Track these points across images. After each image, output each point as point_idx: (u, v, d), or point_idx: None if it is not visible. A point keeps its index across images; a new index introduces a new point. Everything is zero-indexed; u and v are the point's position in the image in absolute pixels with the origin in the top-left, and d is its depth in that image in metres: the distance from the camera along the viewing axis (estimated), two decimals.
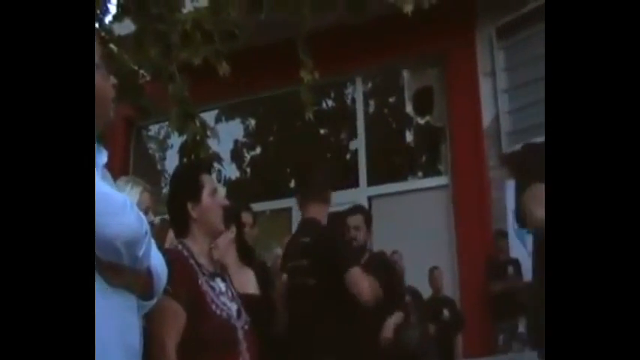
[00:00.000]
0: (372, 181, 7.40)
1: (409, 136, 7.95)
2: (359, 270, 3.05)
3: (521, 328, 5.82)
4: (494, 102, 6.71)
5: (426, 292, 6.33)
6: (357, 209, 4.19)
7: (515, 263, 6.10)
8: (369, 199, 7.18)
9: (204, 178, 2.24)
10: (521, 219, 2.14)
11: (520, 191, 2.12)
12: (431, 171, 7.63)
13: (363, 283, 2.99)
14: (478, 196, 6.56)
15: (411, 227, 6.78)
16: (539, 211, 1.98)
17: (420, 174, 7.80)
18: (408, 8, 3.22)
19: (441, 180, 7.16)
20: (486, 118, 6.74)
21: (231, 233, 3.04)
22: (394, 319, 3.90)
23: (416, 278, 6.23)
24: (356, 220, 4.03)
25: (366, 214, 4.15)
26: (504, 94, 6.67)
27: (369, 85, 8.16)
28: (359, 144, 7.62)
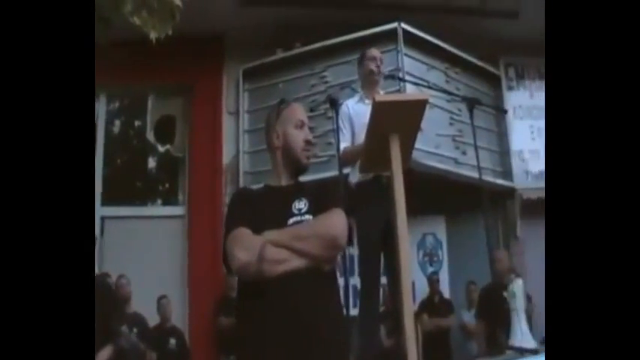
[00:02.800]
0: (107, 202, 7.18)
1: (152, 162, 7.91)
2: None
3: None
4: (235, 141, 6.94)
5: (156, 320, 6.30)
6: None
7: None
8: (102, 219, 6.96)
9: None
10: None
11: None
12: (170, 199, 7.63)
13: None
14: (212, 230, 6.56)
15: (145, 253, 6.71)
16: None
17: (159, 201, 7.80)
18: (153, 35, 3.32)
19: (179, 210, 7.20)
20: (227, 156, 6.94)
21: None
22: (104, 354, 3.86)
23: (145, 305, 6.18)
24: None
25: None
26: (246, 134, 6.92)
27: (116, 104, 7.98)
28: (96, 162, 7.27)
